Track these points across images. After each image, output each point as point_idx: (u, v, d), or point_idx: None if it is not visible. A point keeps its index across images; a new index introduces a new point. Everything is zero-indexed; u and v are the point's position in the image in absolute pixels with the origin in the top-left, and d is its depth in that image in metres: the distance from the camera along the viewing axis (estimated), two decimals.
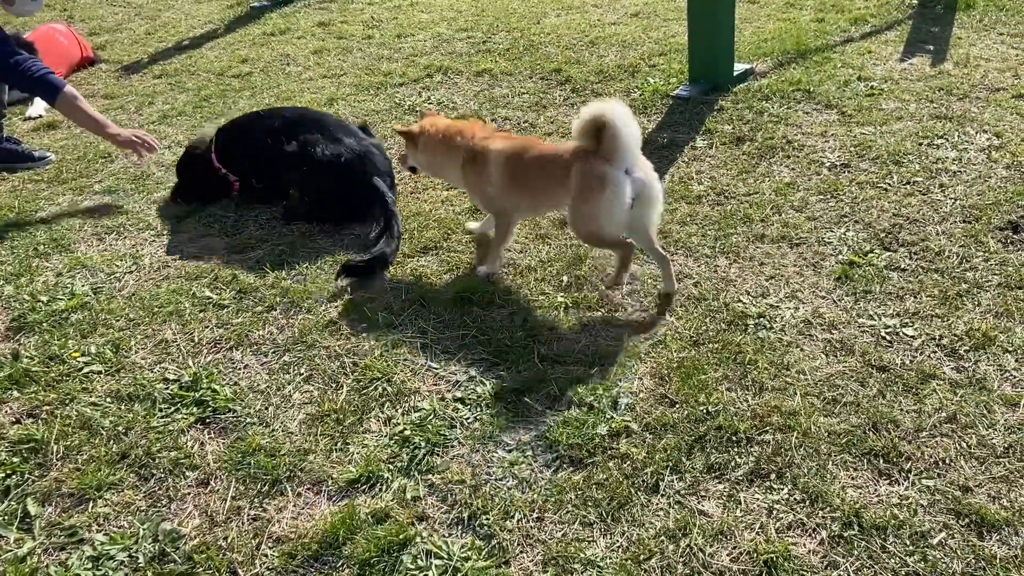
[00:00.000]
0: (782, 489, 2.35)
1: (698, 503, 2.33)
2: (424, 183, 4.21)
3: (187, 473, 2.56)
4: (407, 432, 2.65)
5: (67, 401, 2.89)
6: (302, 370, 2.97)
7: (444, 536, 2.30)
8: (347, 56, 6.27)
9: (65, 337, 3.22)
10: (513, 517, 2.33)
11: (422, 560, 2.23)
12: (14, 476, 2.59)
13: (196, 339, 3.17)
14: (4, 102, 4.90)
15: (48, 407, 2.87)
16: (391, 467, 2.53)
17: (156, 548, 2.31)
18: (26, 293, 3.52)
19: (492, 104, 5.11)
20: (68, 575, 2.25)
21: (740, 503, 2.32)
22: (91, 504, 2.48)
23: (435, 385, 2.86)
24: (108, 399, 2.89)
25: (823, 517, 2.25)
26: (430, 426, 2.67)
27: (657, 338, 2.98)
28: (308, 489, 2.48)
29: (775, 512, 2.28)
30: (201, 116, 5.35)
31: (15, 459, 2.65)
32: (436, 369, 2.93)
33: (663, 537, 2.24)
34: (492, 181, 3.29)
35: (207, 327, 3.24)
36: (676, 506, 2.33)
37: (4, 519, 2.45)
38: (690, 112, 4.71)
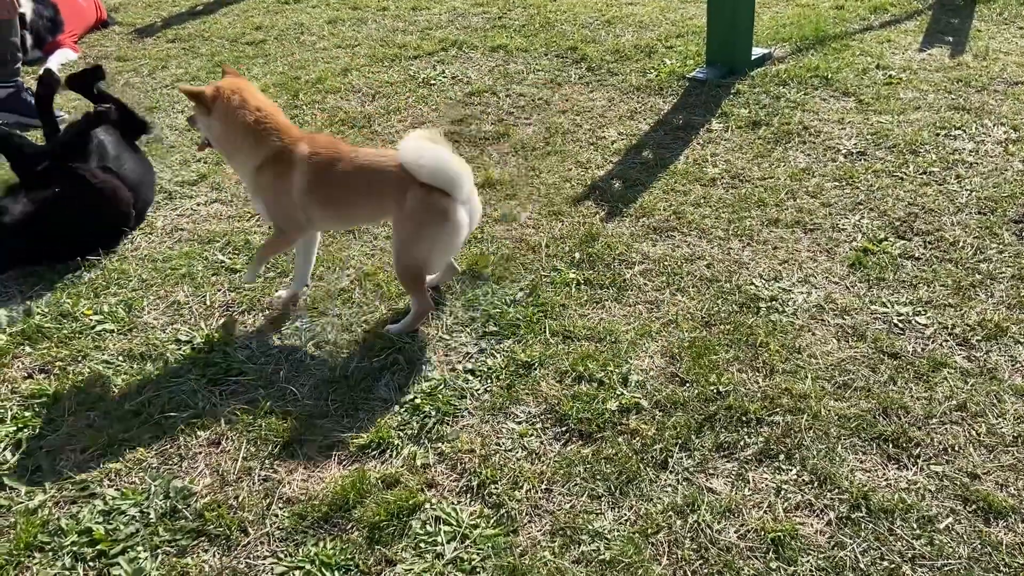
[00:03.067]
0: (791, 470, 2.36)
1: (706, 480, 2.35)
2: None
3: (199, 432, 2.58)
4: (417, 400, 2.66)
5: (79, 358, 2.90)
6: (313, 336, 2.98)
7: (453, 503, 2.31)
8: (361, 27, 6.24)
9: (78, 295, 3.23)
10: (522, 487, 2.34)
11: (431, 526, 2.24)
12: (26, 430, 2.60)
13: (208, 302, 3.18)
14: (19, 46, 4.87)
15: (60, 363, 2.88)
16: (401, 434, 2.54)
17: (167, 504, 2.33)
18: None
19: (507, 80, 5.08)
20: (79, 528, 2.27)
21: (748, 482, 2.33)
22: (103, 460, 2.49)
23: (445, 356, 2.87)
24: (120, 357, 2.90)
25: (831, 499, 2.26)
26: (440, 396, 2.68)
27: (669, 317, 2.98)
28: (319, 452, 2.50)
29: (783, 492, 2.30)
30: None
31: (27, 413, 2.67)
32: (447, 340, 2.94)
33: (671, 512, 2.25)
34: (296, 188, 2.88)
35: (219, 290, 3.25)
36: (684, 483, 2.34)
37: (16, 472, 2.47)
38: (706, 95, 4.69)
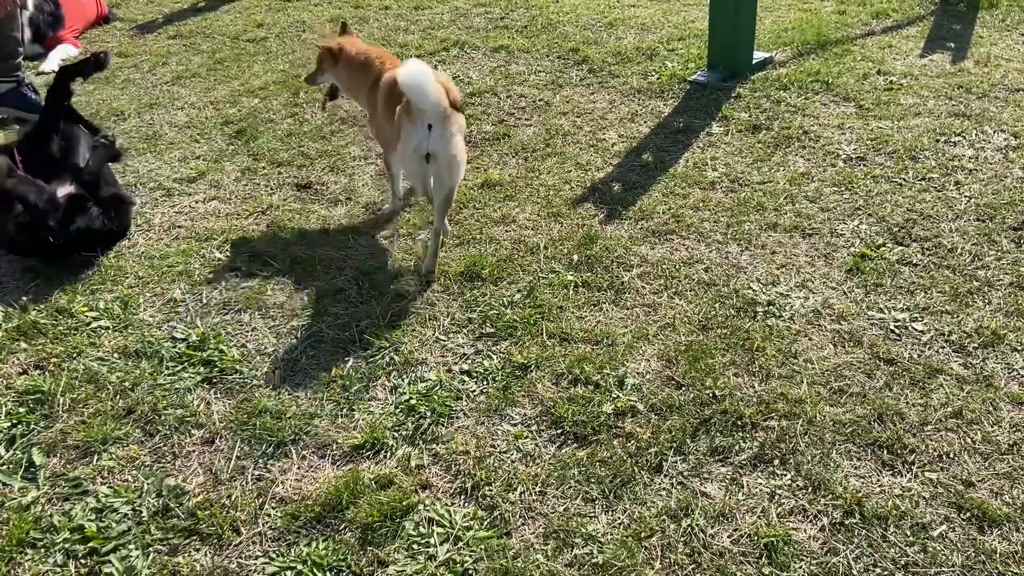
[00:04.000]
0: (785, 475, 2.36)
1: (701, 485, 2.34)
2: None
3: (192, 431, 2.57)
4: (413, 401, 2.66)
5: (74, 355, 2.90)
6: (309, 335, 2.97)
7: (447, 505, 2.31)
8: (363, 26, 6.23)
9: (74, 291, 3.22)
10: (516, 490, 2.34)
11: (424, 527, 2.24)
12: (20, 426, 2.60)
13: (205, 300, 3.18)
14: (20, 40, 4.87)
15: (55, 359, 2.88)
16: (396, 435, 2.54)
17: (160, 503, 2.32)
18: None
19: (508, 80, 5.08)
20: (71, 525, 2.26)
21: (742, 487, 2.33)
22: (96, 457, 2.49)
23: (442, 357, 2.87)
24: (115, 355, 2.90)
25: (825, 504, 2.26)
26: (436, 397, 2.68)
27: (666, 321, 2.98)
28: (313, 452, 2.49)
29: (777, 497, 2.29)
30: (215, 79, 5.32)
31: (21, 409, 2.66)
32: (443, 341, 2.93)
33: (665, 516, 2.25)
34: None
35: (216, 288, 3.24)
36: (679, 487, 2.34)
37: (9, 468, 2.46)
38: (707, 98, 4.68)
